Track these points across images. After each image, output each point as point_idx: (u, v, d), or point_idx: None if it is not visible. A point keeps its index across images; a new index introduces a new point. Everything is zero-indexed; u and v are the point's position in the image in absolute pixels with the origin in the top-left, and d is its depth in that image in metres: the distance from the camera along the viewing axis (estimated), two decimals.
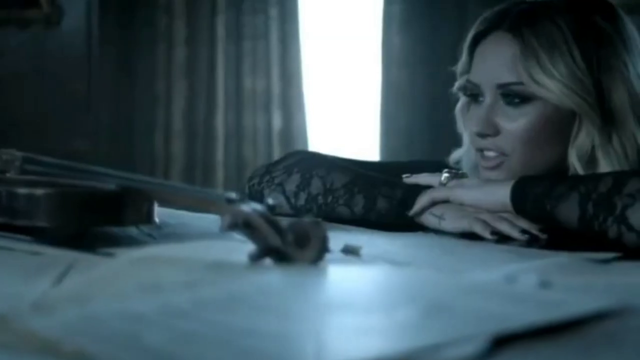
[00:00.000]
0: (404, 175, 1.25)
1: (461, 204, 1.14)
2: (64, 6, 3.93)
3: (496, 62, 1.21)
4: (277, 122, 3.99)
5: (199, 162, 4.06)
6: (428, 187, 1.19)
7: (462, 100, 1.29)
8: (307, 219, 0.74)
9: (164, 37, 4.03)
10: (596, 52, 1.18)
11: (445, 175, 1.21)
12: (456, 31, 3.42)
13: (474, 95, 1.24)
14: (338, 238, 0.93)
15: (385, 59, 3.89)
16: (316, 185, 1.26)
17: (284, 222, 0.75)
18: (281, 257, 0.73)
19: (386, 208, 1.19)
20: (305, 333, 0.52)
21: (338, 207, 1.23)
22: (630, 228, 0.98)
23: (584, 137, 1.18)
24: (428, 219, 1.15)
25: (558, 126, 1.20)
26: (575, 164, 1.19)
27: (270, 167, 1.34)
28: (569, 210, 1.04)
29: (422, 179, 1.23)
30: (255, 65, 3.99)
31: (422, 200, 1.16)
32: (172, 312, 0.56)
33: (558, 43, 1.17)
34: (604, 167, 1.17)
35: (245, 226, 0.74)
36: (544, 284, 0.65)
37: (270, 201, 0.78)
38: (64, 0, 3.94)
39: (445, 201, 1.16)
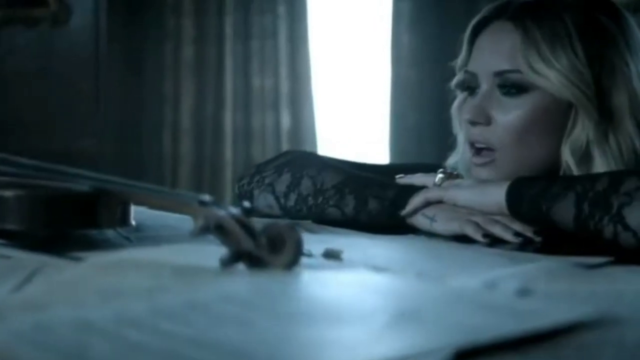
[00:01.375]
0: (397, 176, 1.22)
1: (455, 205, 1.12)
2: (71, 5, 3.91)
3: (495, 50, 1.19)
4: (285, 121, 3.97)
5: (207, 161, 4.04)
6: (421, 187, 1.16)
7: (459, 98, 1.26)
8: (282, 222, 0.72)
9: (172, 36, 4.01)
10: (599, 50, 1.16)
11: (439, 175, 1.19)
12: (465, 29, 3.39)
13: (471, 88, 1.21)
14: (322, 241, 0.91)
15: (394, 57, 3.85)
16: (306, 186, 1.23)
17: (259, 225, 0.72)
18: (254, 261, 0.71)
19: (377, 209, 1.16)
20: (262, 346, 0.49)
21: (328, 208, 1.20)
22: (627, 227, 0.95)
23: (579, 132, 1.15)
24: (419, 220, 1.12)
25: (553, 120, 1.17)
26: (569, 160, 1.16)
27: (260, 167, 1.32)
28: (564, 210, 1.01)
29: (416, 179, 1.20)
30: (264, 65, 3.96)
31: (415, 201, 1.13)
32: (127, 321, 0.53)
33: (560, 35, 1.15)
34: (599, 164, 1.14)
35: (218, 229, 0.72)
36: (524, 292, 0.62)
37: (246, 204, 0.76)
38: None
39: (440, 202, 1.13)
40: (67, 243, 0.83)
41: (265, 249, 0.70)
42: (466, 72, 1.22)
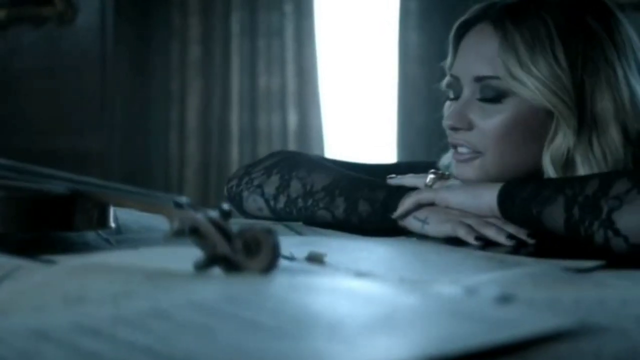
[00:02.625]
0: (388, 177, 1.20)
1: (447, 207, 1.09)
2: (78, 3, 3.90)
3: (476, 54, 1.15)
4: (292, 120, 3.95)
5: (213, 161, 4.02)
6: (412, 189, 1.14)
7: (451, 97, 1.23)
8: (258, 225, 0.69)
9: (178, 35, 4.00)
10: (582, 52, 1.10)
11: (430, 176, 1.16)
12: None
13: (455, 92, 1.18)
14: (307, 243, 0.89)
15: (402, 55, 3.83)
16: (295, 188, 1.20)
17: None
18: (230, 265, 0.68)
19: (367, 211, 1.13)
20: (220, 356, 0.47)
21: (319, 210, 1.17)
22: (617, 233, 0.92)
23: (560, 140, 1.11)
24: (411, 222, 1.09)
25: (533, 126, 1.12)
26: (548, 168, 1.11)
27: (249, 168, 1.29)
28: (554, 215, 0.98)
29: (407, 180, 1.18)
30: (270, 63, 3.94)
31: (407, 203, 1.10)
32: (85, 329, 0.51)
33: (541, 38, 1.10)
34: (582, 173, 1.10)
35: (193, 232, 0.70)
36: (504, 299, 0.59)
37: (225, 206, 0.73)
38: None
39: (431, 203, 1.10)
40: (44, 246, 0.81)
41: (241, 252, 0.68)
42: (451, 75, 1.19)
